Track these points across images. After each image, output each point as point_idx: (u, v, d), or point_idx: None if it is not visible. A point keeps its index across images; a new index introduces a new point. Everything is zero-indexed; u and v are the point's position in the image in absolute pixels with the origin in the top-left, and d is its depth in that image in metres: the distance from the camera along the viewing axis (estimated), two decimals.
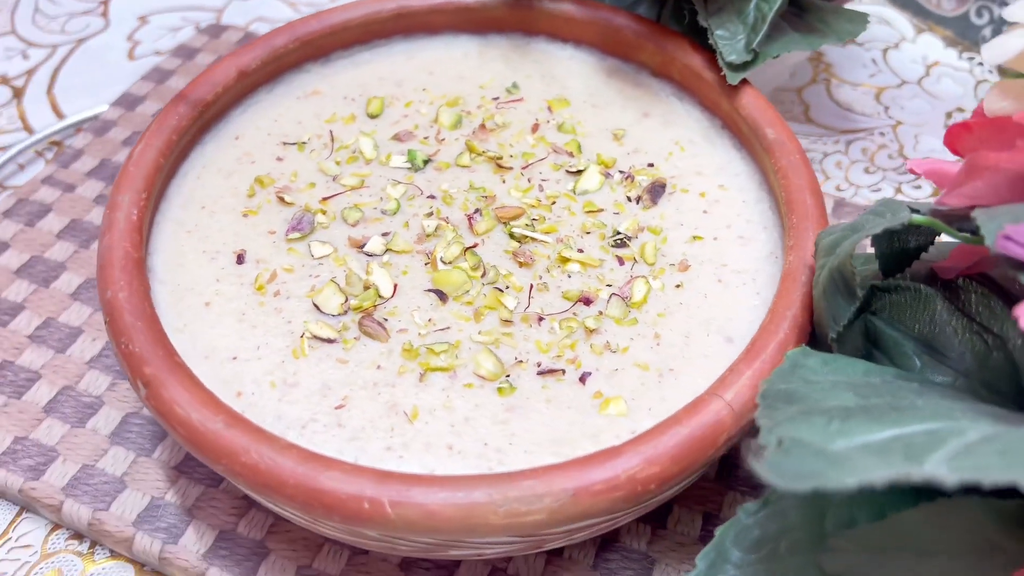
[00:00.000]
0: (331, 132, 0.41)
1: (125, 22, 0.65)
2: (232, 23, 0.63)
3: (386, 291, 0.35)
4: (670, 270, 0.36)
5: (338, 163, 0.40)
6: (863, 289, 0.28)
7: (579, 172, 0.40)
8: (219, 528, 0.36)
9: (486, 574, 0.35)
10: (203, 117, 0.39)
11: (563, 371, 0.33)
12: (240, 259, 0.36)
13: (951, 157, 0.31)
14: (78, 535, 0.38)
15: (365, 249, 0.36)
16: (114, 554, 0.37)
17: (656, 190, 0.39)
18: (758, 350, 0.31)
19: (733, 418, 0.29)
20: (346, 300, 0.34)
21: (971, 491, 0.23)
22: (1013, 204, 0.25)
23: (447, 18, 0.45)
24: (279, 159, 0.40)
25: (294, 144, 0.41)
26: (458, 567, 0.35)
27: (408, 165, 0.40)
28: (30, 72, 0.61)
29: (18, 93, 0.59)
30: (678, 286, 0.35)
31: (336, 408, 0.31)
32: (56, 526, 0.38)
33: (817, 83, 0.62)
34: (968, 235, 0.28)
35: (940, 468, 0.21)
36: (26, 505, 0.38)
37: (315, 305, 0.34)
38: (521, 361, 0.33)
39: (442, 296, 0.35)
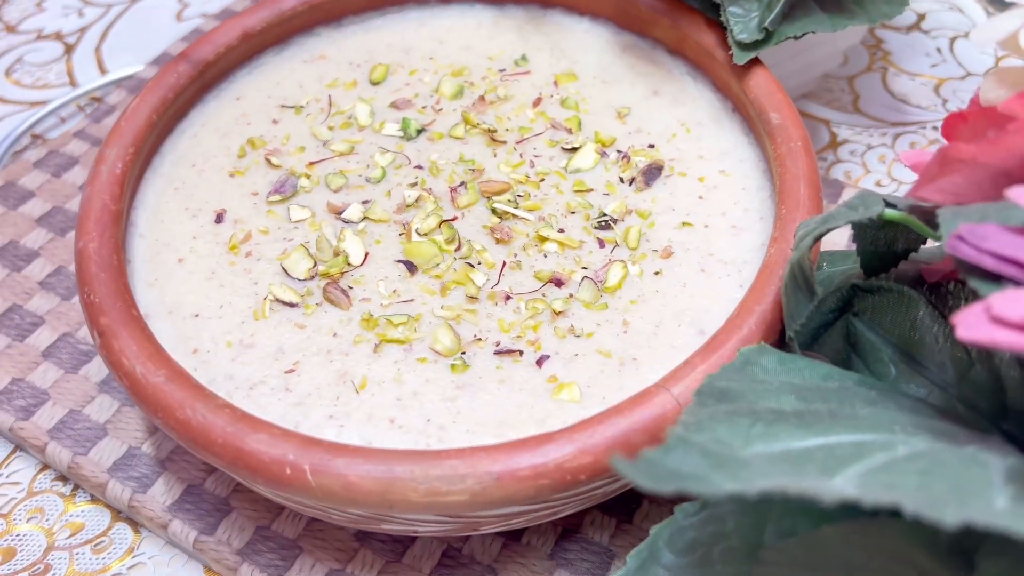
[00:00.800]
0: (330, 97, 0.41)
1: None
2: None
3: (356, 259, 0.34)
4: (652, 256, 0.34)
5: (331, 128, 0.39)
6: (822, 287, 0.26)
7: (575, 149, 0.38)
8: (188, 482, 0.36)
9: (440, 552, 0.34)
10: (204, 77, 0.40)
11: (521, 352, 0.31)
12: (219, 218, 0.36)
13: None
14: (63, 477, 0.39)
15: (343, 216, 0.36)
16: (93, 499, 0.38)
17: (652, 172, 0.37)
18: (718, 344, 0.29)
19: (678, 413, 0.27)
20: (314, 265, 0.34)
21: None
22: (985, 203, 0.23)
23: None
24: (275, 121, 0.40)
25: (292, 107, 0.40)
26: (413, 542, 0.35)
27: (401, 134, 0.39)
28: (83, 30, 0.63)
29: (69, 49, 0.61)
30: (657, 273, 0.34)
31: (286, 372, 0.31)
32: (44, 467, 0.39)
33: (872, 71, 0.58)
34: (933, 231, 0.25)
35: (848, 485, 0.20)
36: (17, 444, 0.39)
37: (283, 268, 0.34)
38: (480, 339, 0.32)
39: (411, 267, 0.34)
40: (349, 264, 0.34)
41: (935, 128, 0.54)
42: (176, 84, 0.38)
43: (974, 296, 0.27)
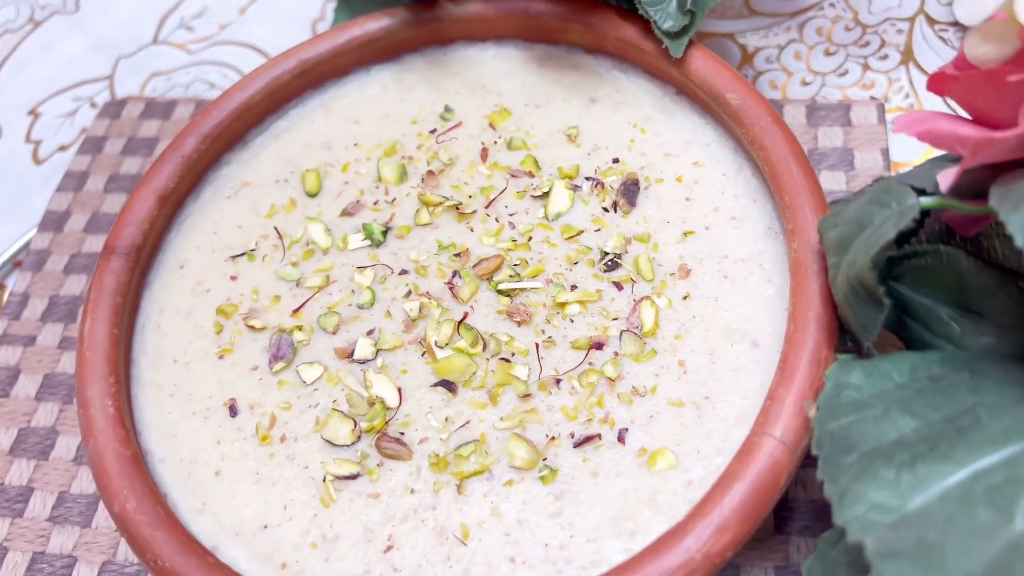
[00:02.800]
0: (276, 229, 0.38)
1: (16, 123, 0.60)
2: (127, 92, 0.58)
3: (392, 400, 0.33)
4: (671, 281, 0.34)
5: (295, 264, 0.37)
6: (888, 298, 0.26)
7: (545, 194, 0.37)
8: None
9: None
10: (139, 261, 0.36)
11: (599, 435, 0.31)
12: (232, 410, 0.34)
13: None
14: None
15: (355, 357, 0.34)
16: None
17: (630, 190, 0.36)
18: (792, 367, 0.29)
19: (788, 455, 0.28)
20: (355, 425, 0.32)
21: None
22: None
23: (352, 56, 0.41)
24: (233, 278, 0.37)
25: (242, 255, 0.38)
26: None
27: (367, 242, 0.37)
28: None
29: None
30: (685, 297, 0.33)
31: (385, 552, 0.30)
32: None
33: None
34: (984, 206, 0.26)
35: None
36: None
37: (326, 440, 0.32)
38: (553, 437, 0.31)
39: (450, 387, 0.33)
40: (388, 408, 0.32)
41: (832, 4, 0.54)
42: (119, 285, 0.35)
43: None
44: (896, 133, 0.28)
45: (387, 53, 0.42)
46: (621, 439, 0.31)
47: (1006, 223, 0.22)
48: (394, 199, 0.38)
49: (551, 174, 0.38)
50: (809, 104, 0.47)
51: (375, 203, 0.38)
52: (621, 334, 0.33)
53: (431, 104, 0.41)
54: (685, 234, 0.35)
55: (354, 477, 0.31)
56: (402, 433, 0.32)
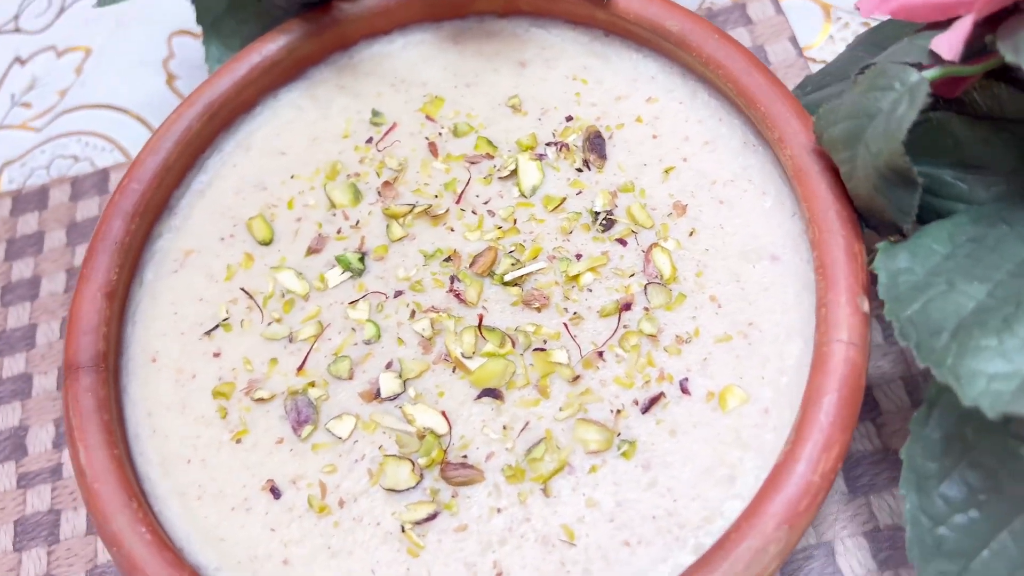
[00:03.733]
0: (243, 290, 0.35)
1: None
2: None
3: (441, 427, 0.31)
4: (671, 221, 0.33)
5: (278, 320, 0.34)
6: (923, 177, 0.26)
7: (512, 172, 0.35)
8: None
9: None
10: (108, 373, 0.33)
11: (662, 394, 0.30)
12: (275, 492, 0.31)
13: None
14: None
15: (383, 395, 0.32)
16: None
17: (596, 144, 0.35)
18: (831, 270, 0.29)
19: (860, 353, 0.28)
20: (413, 464, 0.30)
21: None
22: None
23: (257, 85, 0.38)
24: (216, 355, 0.34)
25: (216, 328, 0.34)
26: None
27: (348, 275, 0.34)
28: None
29: None
30: (691, 234, 0.33)
31: None
32: None
33: None
34: (985, 63, 0.26)
35: None
36: None
37: (388, 489, 0.30)
38: (619, 410, 0.30)
39: (495, 394, 0.31)
40: (439, 436, 0.31)
41: None
42: (96, 400, 0.31)
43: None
44: (867, 16, 0.29)
45: (290, 73, 0.39)
46: (685, 391, 0.30)
47: None
48: (357, 222, 0.36)
49: (510, 150, 0.36)
50: (705, 14, 0.47)
51: (338, 232, 0.36)
52: (645, 288, 0.32)
53: (356, 113, 0.38)
54: (666, 171, 0.34)
55: (433, 517, 0.30)
56: (464, 456, 0.30)
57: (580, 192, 0.35)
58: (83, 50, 0.58)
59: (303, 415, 0.32)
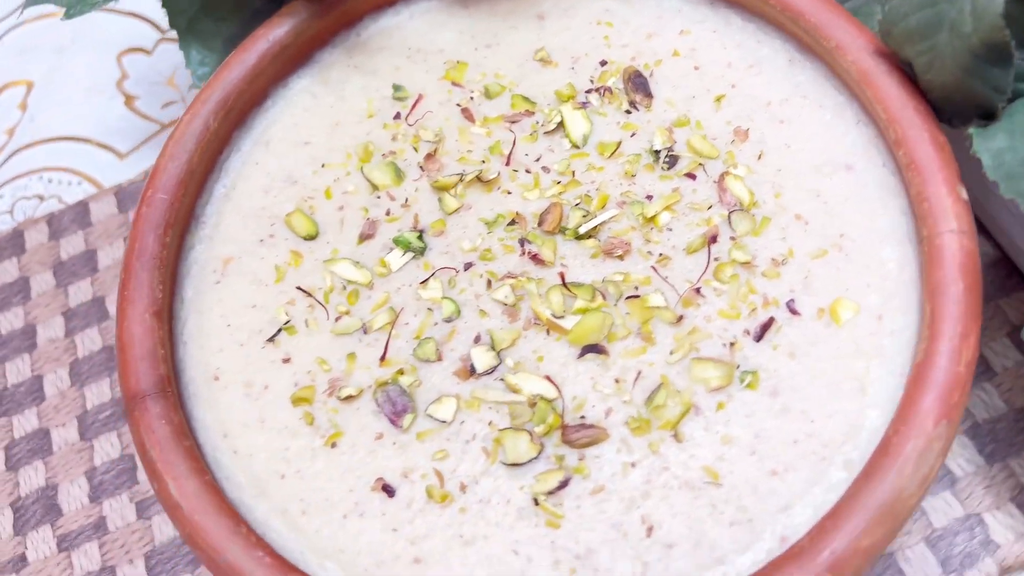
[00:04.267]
0: (300, 288, 0.33)
1: None
2: None
3: (550, 392, 0.29)
4: (735, 148, 0.33)
5: (346, 313, 0.32)
6: (1020, 49, 0.26)
7: (559, 125, 0.34)
8: None
9: None
10: (177, 399, 0.30)
11: (772, 319, 0.29)
12: (388, 490, 0.29)
13: None
14: None
15: (479, 371, 0.30)
16: None
17: (639, 83, 0.34)
18: (921, 165, 0.29)
19: (971, 239, 0.28)
20: (530, 435, 0.29)
21: None
22: None
23: (267, 75, 0.36)
24: (285, 361, 0.31)
25: (279, 333, 0.32)
26: None
27: (410, 255, 0.32)
28: None
29: None
30: (759, 157, 0.32)
31: (650, 535, 0.27)
32: None
33: None
34: None
35: None
36: None
37: (510, 464, 0.28)
38: (732, 343, 0.29)
39: (599, 349, 0.30)
40: (551, 401, 0.29)
41: None
42: (172, 428, 0.29)
43: None
44: None
45: (299, 58, 0.36)
46: (794, 311, 0.30)
47: None
48: (406, 200, 0.34)
49: (549, 104, 0.35)
50: None
51: (387, 214, 0.34)
52: (728, 217, 0.31)
53: (376, 91, 0.36)
54: (717, 100, 0.34)
55: (565, 484, 0.28)
56: (582, 417, 0.29)
57: (634, 134, 0.34)
58: (24, 84, 0.54)
59: (399, 405, 0.30)
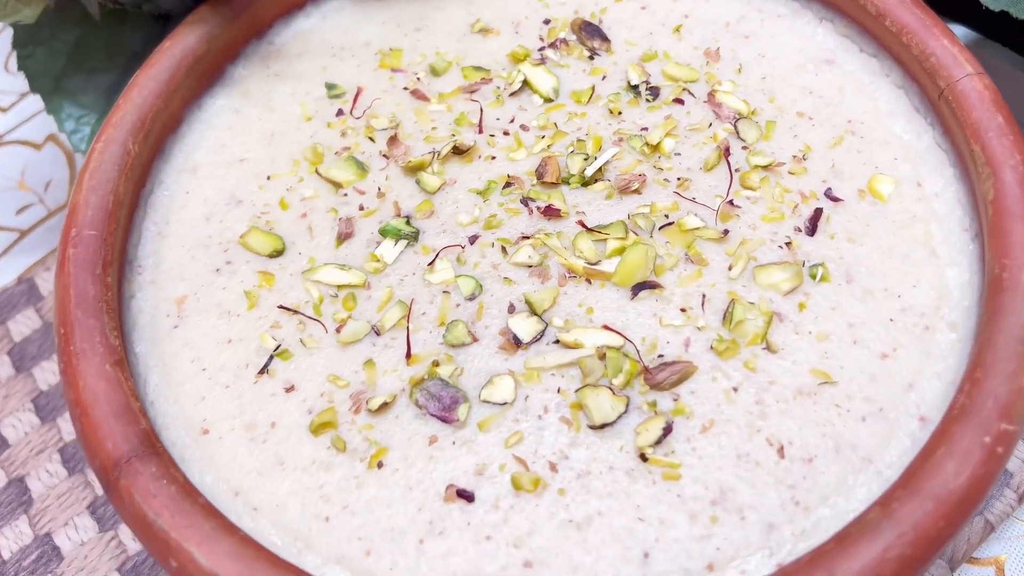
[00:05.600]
0: (282, 307, 0.27)
1: None
2: None
3: (615, 340, 0.26)
4: (713, 68, 0.31)
5: (347, 319, 0.27)
6: None
7: (524, 83, 0.31)
8: None
9: None
10: (167, 455, 0.23)
11: (819, 210, 0.27)
12: (466, 496, 0.23)
13: None
14: None
15: (526, 341, 0.26)
16: None
17: (591, 30, 0.33)
18: (906, 28, 0.28)
19: (988, 77, 0.27)
20: (611, 391, 0.25)
21: None
22: None
23: (181, 94, 0.31)
24: (289, 389, 0.26)
25: (272, 362, 0.26)
26: None
27: (404, 243, 0.28)
28: None
29: None
30: (739, 71, 0.31)
31: (783, 456, 0.23)
32: None
33: None
34: None
35: None
36: None
37: (598, 427, 0.24)
38: (788, 243, 0.27)
39: (651, 286, 0.26)
40: (620, 349, 0.25)
41: None
42: (177, 492, 0.22)
43: None
44: None
45: (211, 74, 0.32)
46: (835, 199, 0.28)
47: None
48: (378, 190, 0.30)
49: (505, 68, 0.32)
50: None
51: (361, 208, 0.29)
52: (736, 126, 0.29)
53: (306, 94, 0.32)
54: (676, 30, 0.32)
55: (669, 430, 0.24)
56: (661, 356, 0.25)
57: (604, 77, 0.31)
58: None
59: (447, 399, 0.25)
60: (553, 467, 0.24)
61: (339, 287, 0.27)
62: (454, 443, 0.24)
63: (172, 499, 0.22)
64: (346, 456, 0.24)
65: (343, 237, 0.29)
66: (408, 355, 0.26)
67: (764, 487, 0.23)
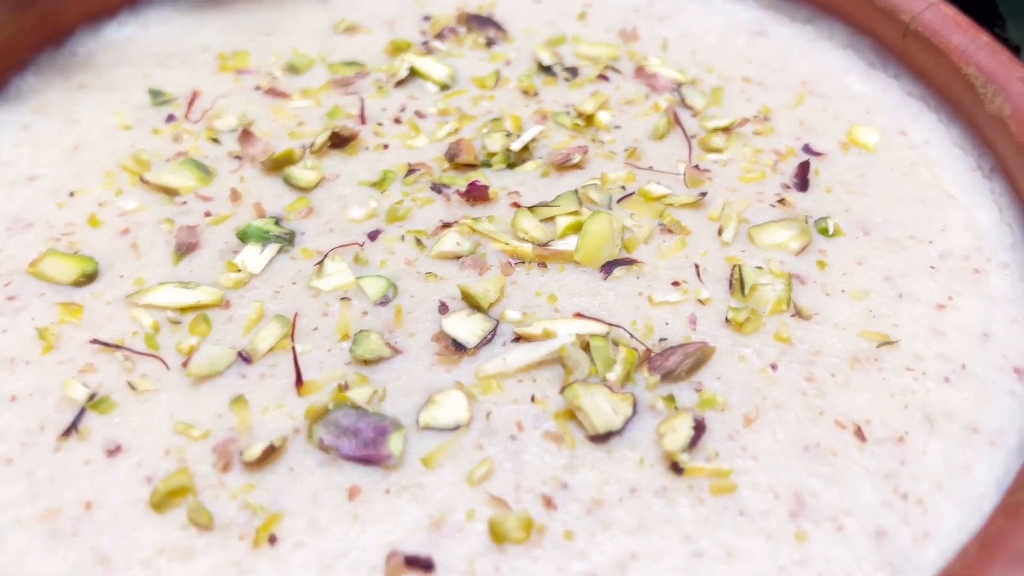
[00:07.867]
0: (97, 343, 0.18)
1: None
2: None
3: (597, 327, 0.18)
4: (633, 46, 0.27)
5: (193, 349, 0.18)
6: None
7: (411, 73, 0.25)
8: None
9: None
10: None
11: (805, 163, 0.22)
12: (420, 565, 0.15)
13: None
14: None
15: (470, 345, 0.18)
16: None
17: (483, 21, 0.28)
18: None
19: (950, 5, 0.24)
20: (608, 389, 0.17)
21: None
22: None
23: None
24: (112, 451, 0.16)
25: (82, 417, 0.17)
26: None
27: (276, 247, 0.20)
28: None
29: None
30: (664, 47, 0.27)
31: (859, 435, 0.17)
32: None
33: None
34: None
35: None
36: None
37: (599, 435, 0.16)
38: (781, 200, 0.22)
39: (624, 262, 0.20)
40: (608, 337, 0.18)
41: None
42: None
43: None
44: None
45: None
46: (815, 152, 0.23)
47: None
48: (231, 192, 0.22)
49: (384, 62, 0.26)
50: None
51: (208, 215, 0.21)
52: (680, 92, 0.24)
53: (121, 104, 0.25)
54: (580, 17, 0.28)
55: (701, 427, 0.17)
56: (664, 340, 0.18)
57: (509, 62, 0.26)
58: None
59: (368, 432, 0.16)
60: (548, 501, 0.16)
61: (181, 309, 0.19)
62: (388, 492, 0.16)
63: None
64: (216, 534, 0.15)
65: (184, 250, 0.20)
66: (298, 383, 0.17)
67: (854, 479, 0.16)
